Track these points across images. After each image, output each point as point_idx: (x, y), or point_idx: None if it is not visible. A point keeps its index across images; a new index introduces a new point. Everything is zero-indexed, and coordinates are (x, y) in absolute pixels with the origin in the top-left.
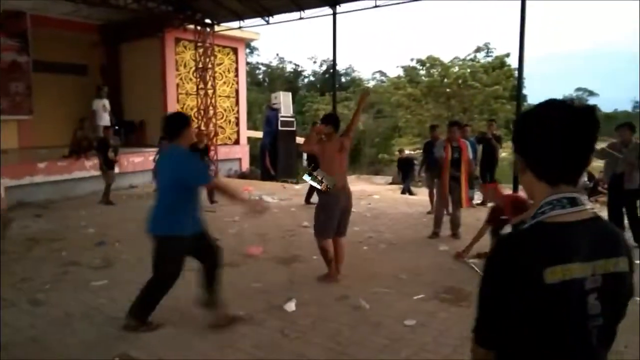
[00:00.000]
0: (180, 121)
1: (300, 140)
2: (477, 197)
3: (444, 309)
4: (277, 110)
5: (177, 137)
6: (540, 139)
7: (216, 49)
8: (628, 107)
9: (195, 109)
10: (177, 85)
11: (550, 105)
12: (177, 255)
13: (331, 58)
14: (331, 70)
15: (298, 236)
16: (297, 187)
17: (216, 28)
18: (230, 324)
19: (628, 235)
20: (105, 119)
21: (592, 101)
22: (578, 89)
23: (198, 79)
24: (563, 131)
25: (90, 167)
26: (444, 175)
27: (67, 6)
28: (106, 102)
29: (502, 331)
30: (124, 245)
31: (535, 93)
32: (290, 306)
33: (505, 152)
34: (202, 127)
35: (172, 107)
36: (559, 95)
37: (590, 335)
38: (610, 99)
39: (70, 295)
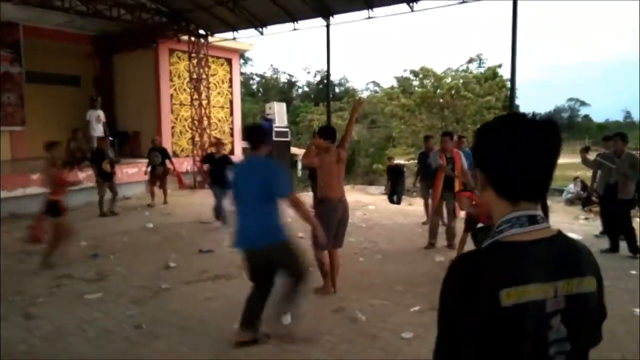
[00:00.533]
0: (262, 132)
1: (295, 150)
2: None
3: None
4: (271, 121)
5: (258, 148)
6: (500, 154)
7: (210, 59)
8: (619, 117)
9: (189, 120)
10: (171, 95)
11: (511, 118)
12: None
13: (325, 68)
14: (325, 81)
15: None
16: None
17: (210, 39)
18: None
19: (623, 245)
20: (99, 130)
21: (583, 111)
22: (570, 99)
23: (192, 90)
24: (524, 146)
25: (84, 178)
26: (437, 186)
27: (61, 17)
28: (100, 113)
29: (463, 356)
30: (118, 258)
31: (527, 103)
32: (287, 319)
33: None
34: (197, 138)
35: (166, 117)
36: (551, 106)
37: (554, 354)
38: (602, 109)
39: (63, 309)
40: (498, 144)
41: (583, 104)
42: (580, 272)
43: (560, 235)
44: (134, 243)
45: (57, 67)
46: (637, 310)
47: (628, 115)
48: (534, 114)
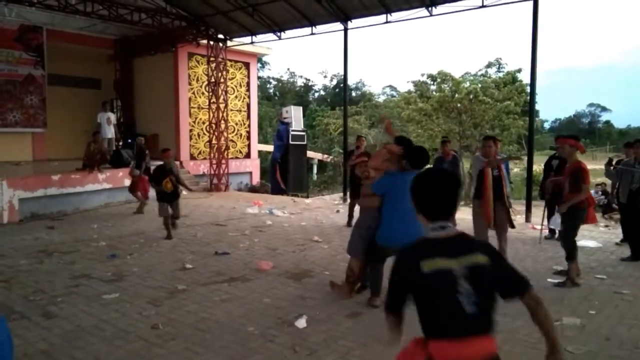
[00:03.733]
0: (426, 157)
1: (311, 154)
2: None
3: None
4: (288, 124)
5: (418, 169)
6: (423, 194)
7: (228, 63)
8: None
9: (207, 123)
10: (190, 99)
11: (428, 172)
12: None
13: (342, 72)
14: (342, 85)
15: (309, 251)
16: (307, 201)
17: (228, 43)
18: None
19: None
20: (110, 132)
21: (605, 117)
22: (590, 105)
23: (210, 93)
24: (435, 190)
25: (103, 180)
26: (488, 195)
27: (83, 21)
28: (111, 115)
29: (401, 302)
30: (135, 259)
31: (547, 108)
32: (301, 322)
33: (517, 168)
34: (214, 141)
35: (184, 120)
36: (571, 111)
37: (461, 304)
38: (623, 115)
39: (81, 308)
40: (420, 188)
41: (604, 109)
42: (472, 251)
43: (461, 234)
44: (151, 244)
45: (78, 70)
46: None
47: None
48: (444, 169)
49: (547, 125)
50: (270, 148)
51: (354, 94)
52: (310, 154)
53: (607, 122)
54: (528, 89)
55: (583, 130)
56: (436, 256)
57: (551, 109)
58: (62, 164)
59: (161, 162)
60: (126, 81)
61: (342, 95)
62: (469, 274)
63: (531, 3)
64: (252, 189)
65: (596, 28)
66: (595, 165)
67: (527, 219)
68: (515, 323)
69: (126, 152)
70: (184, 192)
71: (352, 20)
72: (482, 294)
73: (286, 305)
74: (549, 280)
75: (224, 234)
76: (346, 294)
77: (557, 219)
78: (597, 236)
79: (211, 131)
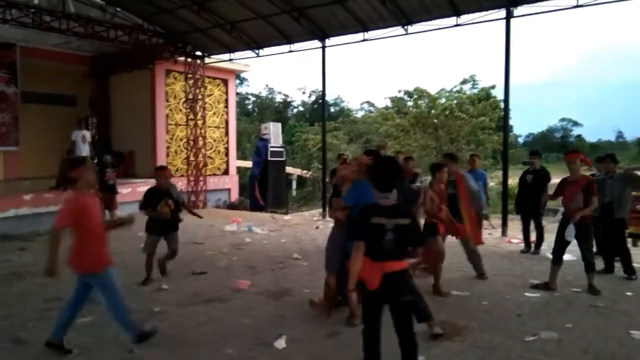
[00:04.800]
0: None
1: (290, 169)
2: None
3: (438, 344)
4: (266, 141)
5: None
6: (376, 176)
7: (206, 80)
8: (611, 137)
9: (184, 140)
10: (167, 116)
11: (381, 161)
12: None
13: (320, 88)
14: (320, 101)
15: (289, 268)
16: (286, 217)
17: (206, 60)
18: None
19: (617, 265)
20: (85, 150)
21: (576, 131)
22: (562, 119)
23: (188, 110)
24: (383, 174)
25: None
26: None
27: (58, 38)
28: (86, 133)
29: (362, 234)
30: None
31: (520, 123)
32: (281, 343)
33: (493, 182)
34: (192, 158)
35: (162, 137)
36: (544, 126)
37: (385, 243)
38: (594, 129)
39: None
40: (375, 172)
41: (575, 123)
42: (402, 215)
43: (396, 204)
44: (126, 265)
45: (53, 87)
46: (636, 332)
47: (620, 135)
48: (396, 154)
49: (520, 140)
50: (249, 164)
51: (332, 109)
52: (289, 169)
53: (579, 136)
54: (502, 105)
55: (556, 145)
56: (379, 215)
57: (525, 124)
58: (35, 183)
59: (154, 184)
60: (102, 98)
61: (320, 111)
62: (394, 228)
63: (504, 22)
64: (231, 206)
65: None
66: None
67: (504, 233)
68: (494, 340)
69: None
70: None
71: (330, 38)
72: (398, 239)
73: (265, 325)
74: (526, 294)
75: (201, 252)
76: (326, 312)
77: (571, 230)
78: (572, 249)
79: (189, 148)
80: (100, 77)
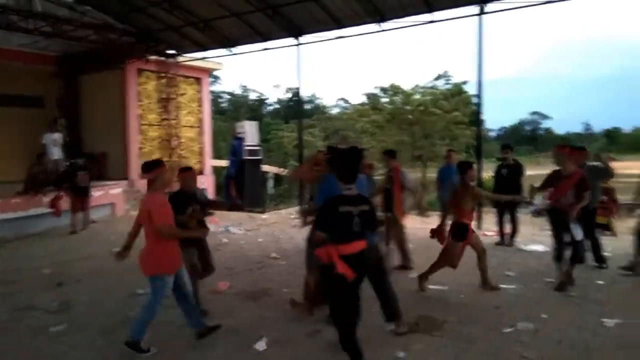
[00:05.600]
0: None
1: (266, 167)
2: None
3: (418, 339)
4: (242, 140)
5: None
6: (339, 169)
7: (179, 79)
8: (579, 129)
9: (158, 140)
10: (140, 116)
11: (341, 153)
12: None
13: (295, 86)
14: (295, 98)
15: (267, 268)
16: (264, 216)
17: (179, 58)
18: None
19: (588, 255)
20: (57, 153)
21: (546, 124)
22: (533, 113)
23: (161, 110)
24: (345, 166)
25: (46, 203)
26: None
27: (24, 38)
28: (57, 135)
29: (327, 225)
30: (83, 285)
31: (492, 116)
32: (261, 345)
33: None
34: (166, 158)
35: (134, 138)
36: (515, 120)
37: (353, 227)
38: (563, 122)
39: (26, 343)
40: (338, 165)
41: (545, 117)
42: (362, 203)
43: (358, 194)
44: (101, 269)
45: (19, 88)
46: (608, 321)
47: (588, 127)
48: (355, 142)
49: (492, 134)
50: (224, 163)
51: (307, 106)
52: (265, 167)
53: (548, 129)
54: (474, 100)
55: (526, 137)
56: (345, 204)
57: (496, 117)
58: (2, 188)
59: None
60: (72, 99)
61: (295, 108)
62: (359, 213)
63: (477, 18)
64: None
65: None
66: (539, 170)
67: (478, 226)
68: (473, 332)
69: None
70: (133, 212)
71: (305, 35)
72: (363, 223)
73: (245, 327)
74: (502, 286)
75: None
76: (307, 312)
77: (577, 229)
78: (543, 240)
79: (163, 148)
80: (69, 77)
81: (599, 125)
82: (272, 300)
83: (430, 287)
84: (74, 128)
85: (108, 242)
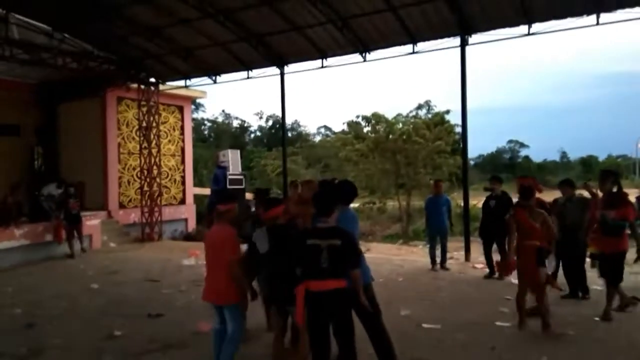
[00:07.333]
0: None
1: (249, 196)
2: None
3: None
4: (225, 168)
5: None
6: (315, 204)
7: (161, 107)
8: (556, 157)
9: (137, 169)
10: (119, 144)
11: (318, 192)
12: None
13: (277, 113)
14: (278, 126)
15: (253, 304)
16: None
17: (161, 87)
18: None
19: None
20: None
21: (523, 152)
22: (510, 141)
23: (141, 138)
24: (319, 202)
25: (20, 236)
26: None
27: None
28: (55, 190)
29: (297, 258)
30: (56, 327)
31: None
32: None
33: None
34: (146, 188)
35: (113, 167)
36: (493, 148)
37: (322, 264)
38: (540, 150)
39: None
40: (315, 201)
41: (522, 145)
42: (334, 237)
43: (331, 227)
44: (75, 308)
45: None
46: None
47: (564, 155)
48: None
49: (472, 162)
50: (206, 191)
51: (290, 134)
52: (248, 195)
53: (526, 157)
54: (457, 129)
55: (505, 165)
56: (314, 237)
57: (473, 145)
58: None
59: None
60: (50, 127)
61: (278, 135)
62: (328, 247)
63: (459, 49)
64: (188, 237)
65: (516, 71)
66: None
67: (467, 258)
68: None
69: (47, 204)
70: (112, 244)
71: (289, 65)
72: (332, 259)
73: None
74: (497, 323)
75: (157, 291)
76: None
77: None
78: None
79: (143, 177)
80: (48, 106)
81: (575, 153)
82: (260, 340)
83: (424, 325)
84: (51, 157)
85: (85, 278)
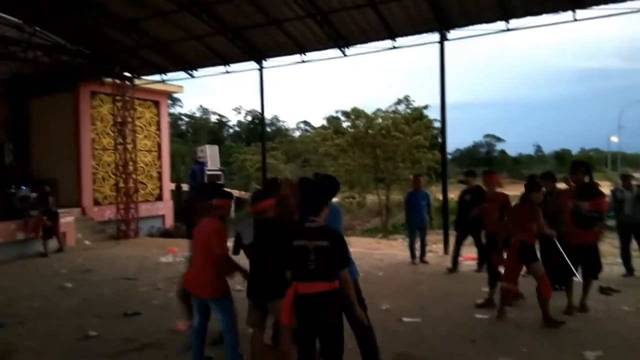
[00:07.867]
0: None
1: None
2: None
3: None
4: (203, 164)
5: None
6: (301, 194)
7: (136, 102)
8: (531, 151)
9: (112, 165)
10: (93, 140)
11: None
12: None
13: (256, 108)
14: (257, 121)
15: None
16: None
17: (137, 81)
18: None
19: None
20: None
21: (499, 146)
22: (486, 135)
23: (116, 134)
24: (304, 202)
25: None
26: None
27: None
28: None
29: (287, 260)
30: (28, 329)
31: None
32: None
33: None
34: (121, 184)
35: (87, 163)
36: (469, 142)
37: (309, 265)
38: (515, 144)
39: None
40: (303, 196)
41: (499, 139)
42: (321, 238)
43: (319, 226)
44: (48, 308)
45: None
46: (589, 353)
47: (539, 149)
48: (316, 175)
49: (449, 156)
50: (184, 187)
51: (269, 129)
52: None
53: (502, 151)
54: (435, 124)
55: (482, 159)
56: (301, 238)
57: (450, 140)
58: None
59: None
60: (20, 122)
61: (257, 130)
62: (315, 249)
63: (437, 45)
64: (165, 233)
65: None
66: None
67: (446, 251)
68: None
69: (21, 204)
70: (87, 242)
71: (267, 60)
72: (319, 260)
73: None
74: (477, 316)
75: (134, 289)
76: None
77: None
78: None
79: (118, 173)
80: (18, 100)
81: (549, 147)
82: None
83: (404, 319)
84: (22, 153)
85: (58, 277)
